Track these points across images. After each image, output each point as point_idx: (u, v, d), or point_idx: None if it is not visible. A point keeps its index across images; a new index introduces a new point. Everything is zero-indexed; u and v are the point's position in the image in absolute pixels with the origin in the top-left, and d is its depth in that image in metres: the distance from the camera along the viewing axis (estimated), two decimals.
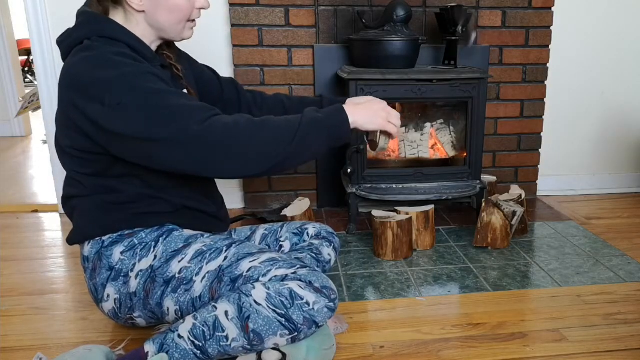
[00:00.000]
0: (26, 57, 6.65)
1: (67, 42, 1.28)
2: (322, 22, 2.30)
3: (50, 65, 2.33)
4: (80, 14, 1.31)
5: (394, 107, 1.39)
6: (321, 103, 1.55)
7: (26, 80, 6.24)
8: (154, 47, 1.37)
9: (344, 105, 1.31)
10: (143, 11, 1.28)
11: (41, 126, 2.89)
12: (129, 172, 1.28)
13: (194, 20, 1.36)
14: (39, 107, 3.17)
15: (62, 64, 2.30)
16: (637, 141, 2.76)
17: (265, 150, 1.19)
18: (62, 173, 2.47)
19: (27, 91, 3.92)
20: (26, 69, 6.73)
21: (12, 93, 4.28)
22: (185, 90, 1.43)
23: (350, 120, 1.29)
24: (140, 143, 1.16)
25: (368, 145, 1.44)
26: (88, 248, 1.35)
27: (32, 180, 3.18)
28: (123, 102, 1.14)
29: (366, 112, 1.32)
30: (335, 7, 2.29)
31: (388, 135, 1.39)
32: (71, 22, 1.29)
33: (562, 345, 1.42)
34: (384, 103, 1.38)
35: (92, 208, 1.32)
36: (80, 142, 1.25)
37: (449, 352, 1.39)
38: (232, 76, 2.33)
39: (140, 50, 1.29)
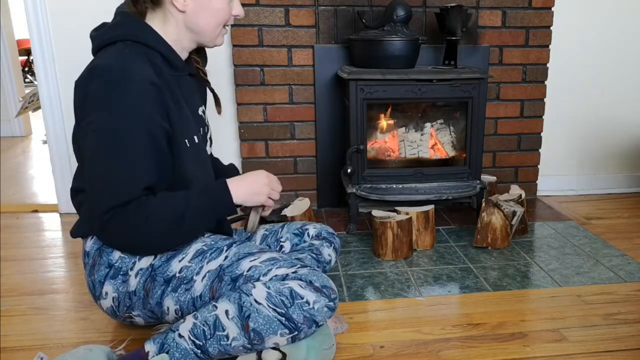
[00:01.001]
0: (26, 57, 6.64)
1: (101, 39, 1.29)
2: (322, 22, 2.30)
3: (50, 65, 2.33)
4: (119, 13, 1.32)
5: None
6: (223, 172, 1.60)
7: (26, 80, 6.24)
8: (184, 55, 1.38)
9: (229, 181, 1.33)
10: (184, 12, 1.29)
11: (41, 126, 2.89)
12: None
13: (225, 27, 1.38)
14: (39, 107, 3.17)
15: (62, 63, 2.34)
16: (637, 141, 2.76)
17: (151, 245, 1.28)
18: (62, 173, 2.48)
19: (27, 91, 3.91)
20: (26, 69, 6.73)
21: (12, 93, 4.28)
22: (202, 107, 1.46)
23: (233, 197, 1.32)
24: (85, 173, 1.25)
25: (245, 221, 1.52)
26: (90, 243, 1.35)
27: (32, 180, 3.18)
28: (101, 134, 1.19)
29: (248, 190, 1.36)
30: (335, 7, 2.29)
31: (256, 209, 1.46)
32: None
33: (562, 345, 1.42)
34: (269, 177, 1.41)
35: None
36: None
37: (449, 352, 1.39)
38: (232, 76, 2.33)
39: (172, 59, 1.31)
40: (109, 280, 1.33)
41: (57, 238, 2.25)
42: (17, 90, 4.30)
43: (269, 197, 1.40)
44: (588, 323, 1.53)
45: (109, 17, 2.51)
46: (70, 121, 2.43)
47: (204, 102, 1.48)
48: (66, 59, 2.33)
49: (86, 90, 1.21)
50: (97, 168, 1.20)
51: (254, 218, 1.48)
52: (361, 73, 2.07)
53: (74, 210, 2.60)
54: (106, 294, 1.34)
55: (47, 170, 3.09)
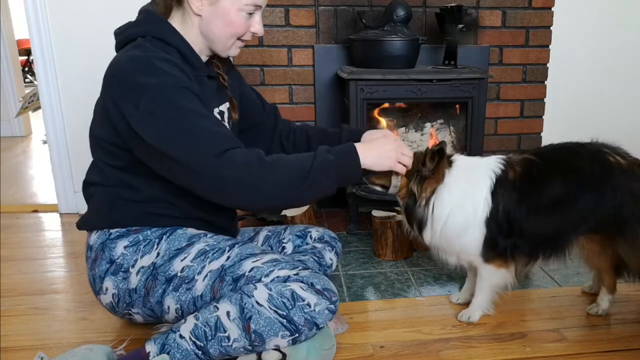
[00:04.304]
0: (26, 57, 6.64)
1: (123, 36, 1.30)
2: (322, 22, 2.30)
3: (50, 65, 2.33)
4: (142, 12, 1.34)
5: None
6: (340, 135, 1.56)
7: (26, 80, 6.23)
8: (204, 58, 1.38)
9: (356, 145, 1.31)
10: (200, 16, 1.29)
11: (41, 126, 2.89)
12: (151, 172, 1.28)
13: (243, 40, 1.37)
14: (39, 107, 3.17)
15: (62, 63, 2.34)
16: (637, 141, 2.75)
17: (274, 191, 1.21)
18: (62, 173, 2.48)
19: (27, 91, 3.91)
20: (26, 69, 6.73)
21: (12, 93, 4.28)
22: (227, 103, 1.45)
23: (361, 161, 1.29)
24: (160, 154, 1.19)
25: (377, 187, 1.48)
26: (94, 237, 1.36)
27: (32, 180, 3.19)
28: (155, 111, 1.17)
29: (376, 153, 1.32)
30: (335, 7, 2.29)
31: (397, 173, 1.40)
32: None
33: (562, 345, 1.42)
34: (398, 141, 1.38)
35: (108, 200, 1.34)
36: (111, 134, 1.26)
37: (449, 352, 1.39)
38: None
39: (190, 58, 1.31)
40: (109, 276, 1.33)
41: (57, 238, 2.25)
42: (17, 90, 4.30)
43: (399, 162, 1.36)
44: (588, 323, 1.53)
45: (109, 17, 2.51)
46: (70, 121, 2.44)
47: (220, 104, 1.45)
48: (66, 59, 2.33)
49: (117, 82, 1.21)
50: (182, 137, 1.17)
51: (395, 182, 1.44)
52: (361, 73, 2.07)
53: (74, 210, 2.61)
54: (106, 289, 1.35)
55: (47, 170, 3.09)
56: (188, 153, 1.17)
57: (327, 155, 1.26)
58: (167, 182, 1.29)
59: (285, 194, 1.22)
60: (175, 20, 1.32)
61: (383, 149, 1.33)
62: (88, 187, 1.39)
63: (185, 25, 1.31)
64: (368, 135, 1.48)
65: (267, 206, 1.28)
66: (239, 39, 1.35)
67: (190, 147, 1.17)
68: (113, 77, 1.23)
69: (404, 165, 1.37)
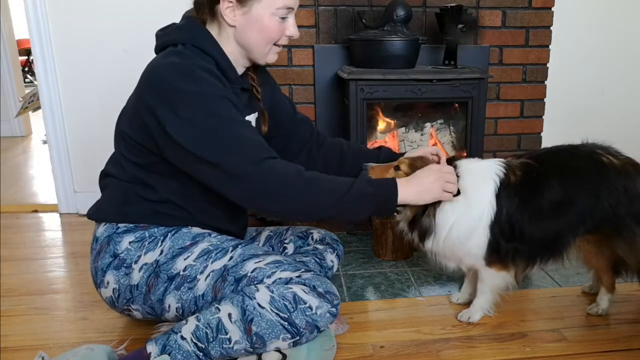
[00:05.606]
0: (26, 57, 6.64)
1: (165, 39, 1.31)
2: (322, 22, 2.30)
3: (50, 65, 2.33)
4: (186, 17, 1.35)
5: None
6: (378, 156, 1.56)
7: (26, 80, 6.23)
8: (240, 69, 1.38)
9: (398, 181, 1.30)
10: (234, 26, 1.30)
11: (41, 126, 2.89)
12: (169, 173, 1.29)
13: (279, 45, 1.37)
14: (39, 107, 3.17)
15: (62, 63, 2.34)
16: (637, 141, 2.76)
17: (306, 207, 1.24)
18: (62, 173, 2.48)
19: (27, 91, 3.91)
20: (26, 69, 6.73)
21: (12, 93, 4.28)
22: (255, 114, 1.45)
23: (400, 197, 1.29)
24: (196, 159, 1.19)
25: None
26: (102, 229, 1.36)
27: (32, 180, 3.19)
28: (194, 118, 1.18)
29: (417, 189, 1.31)
30: (335, 7, 2.29)
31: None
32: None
33: (562, 345, 1.42)
34: (439, 170, 1.35)
35: (121, 194, 1.35)
36: (139, 134, 1.27)
37: (449, 352, 1.39)
38: None
39: (226, 69, 1.31)
40: (111, 270, 1.34)
41: (57, 238, 2.25)
42: (17, 90, 4.30)
43: (445, 191, 1.34)
44: (588, 323, 1.53)
45: (109, 18, 2.51)
46: (70, 121, 2.44)
47: (247, 116, 1.44)
48: (66, 59, 2.33)
49: (154, 86, 1.22)
50: (221, 143, 1.18)
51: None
52: (361, 73, 2.06)
53: (73, 210, 2.61)
54: (107, 283, 1.35)
55: (47, 170, 3.09)
56: (226, 160, 1.18)
57: (366, 185, 1.27)
58: (183, 187, 1.31)
59: (316, 212, 1.27)
60: (213, 32, 1.33)
61: (424, 185, 1.32)
62: (104, 177, 1.40)
63: (221, 37, 1.32)
64: (409, 154, 1.48)
65: (295, 218, 1.38)
66: (275, 44, 1.35)
67: (228, 154, 1.18)
68: (151, 80, 1.24)
69: (450, 192, 1.35)
